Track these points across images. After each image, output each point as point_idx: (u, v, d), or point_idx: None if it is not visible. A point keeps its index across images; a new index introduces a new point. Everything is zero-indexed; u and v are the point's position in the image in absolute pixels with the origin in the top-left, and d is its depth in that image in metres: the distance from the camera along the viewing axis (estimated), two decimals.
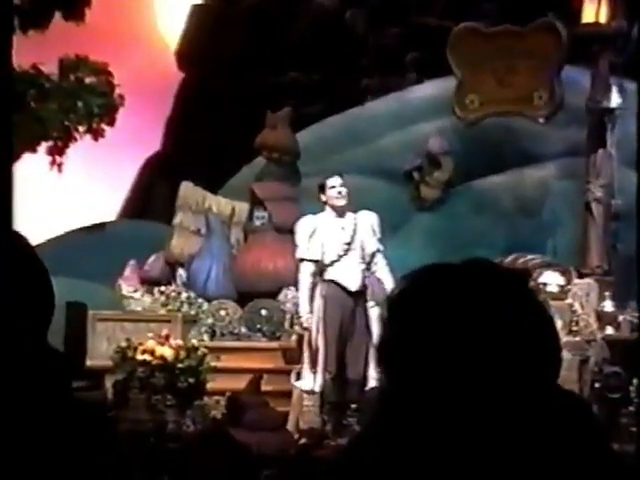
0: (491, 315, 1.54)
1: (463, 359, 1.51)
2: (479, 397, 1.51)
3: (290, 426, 9.95)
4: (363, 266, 9.76)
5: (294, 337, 11.19)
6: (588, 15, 11.73)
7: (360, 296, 9.72)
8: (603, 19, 11.71)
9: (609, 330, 10.73)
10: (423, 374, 1.51)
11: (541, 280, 10.97)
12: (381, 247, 9.82)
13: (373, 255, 9.79)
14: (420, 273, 1.57)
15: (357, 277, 9.71)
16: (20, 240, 1.90)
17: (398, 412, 1.53)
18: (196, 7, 23.32)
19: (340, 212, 9.83)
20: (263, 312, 11.74)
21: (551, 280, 11.05)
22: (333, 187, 9.81)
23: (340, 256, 9.70)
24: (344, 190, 9.83)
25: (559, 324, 9.82)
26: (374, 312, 10.08)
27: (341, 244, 9.72)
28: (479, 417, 1.51)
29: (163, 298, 11.83)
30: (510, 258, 11.52)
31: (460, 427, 1.52)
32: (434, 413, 1.52)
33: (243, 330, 11.75)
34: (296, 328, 11.37)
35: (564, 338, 9.79)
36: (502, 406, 1.52)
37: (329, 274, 9.71)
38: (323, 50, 20.99)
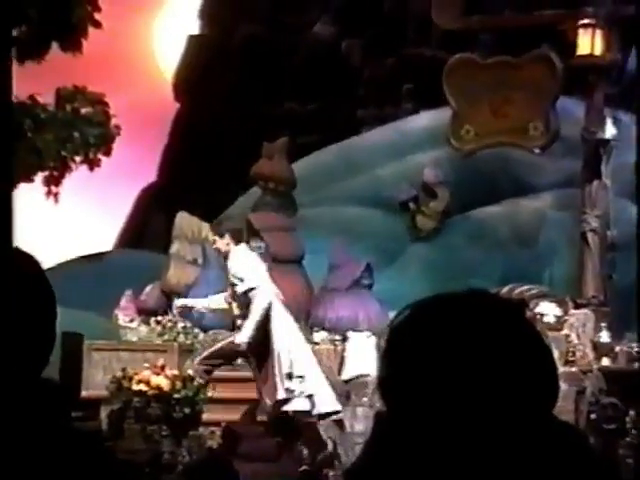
0: (489, 345, 1.54)
1: (461, 389, 1.51)
2: (476, 428, 1.51)
3: (286, 457, 9.90)
4: None
5: None
6: (583, 47, 11.80)
7: None
8: (598, 51, 11.77)
9: (605, 361, 10.72)
10: (423, 403, 1.52)
11: (538, 310, 10.97)
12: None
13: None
14: (419, 305, 1.58)
15: None
16: (30, 265, 1.88)
17: (398, 442, 1.53)
18: (193, 38, 23.42)
19: None
20: None
21: (547, 310, 11.05)
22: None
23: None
24: None
25: (555, 355, 9.79)
26: (369, 341, 10.11)
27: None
28: (476, 448, 1.51)
29: (159, 328, 11.82)
30: (506, 288, 11.52)
31: (458, 457, 1.52)
32: (433, 442, 1.52)
33: (239, 360, 11.72)
34: None
35: (560, 369, 9.77)
36: (499, 437, 1.52)
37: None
38: (319, 81, 21.08)
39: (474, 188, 15.16)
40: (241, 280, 9.95)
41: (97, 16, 13.06)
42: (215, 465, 4.79)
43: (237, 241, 10.14)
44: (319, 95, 21.03)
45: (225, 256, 10.18)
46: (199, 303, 10.60)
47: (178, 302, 10.88)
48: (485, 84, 12.60)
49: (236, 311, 10.12)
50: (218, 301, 10.29)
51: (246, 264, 10.00)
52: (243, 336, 9.91)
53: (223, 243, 10.12)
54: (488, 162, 14.65)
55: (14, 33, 12.36)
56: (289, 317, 10.15)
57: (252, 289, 9.90)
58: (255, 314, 9.87)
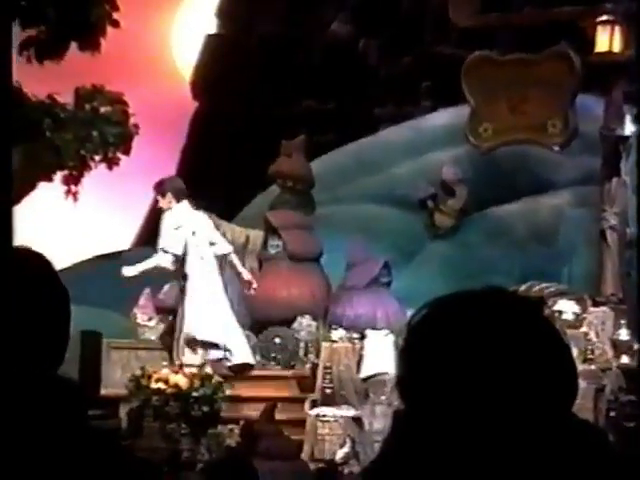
0: (507, 343, 1.54)
1: (480, 387, 1.51)
2: (495, 426, 1.51)
3: (305, 455, 9.92)
4: None
5: (308, 365, 11.17)
6: (601, 44, 11.75)
7: None
8: (617, 48, 11.72)
9: (625, 359, 10.68)
10: (441, 401, 1.51)
11: (556, 308, 10.94)
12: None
13: None
14: (437, 303, 1.57)
15: None
16: (41, 264, 1.88)
17: (416, 440, 1.53)
18: (210, 37, 23.45)
19: None
20: (277, 340, 11.74)
21: (566, 308, 11.02)
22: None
23: None
24: None
25: (574, 352, 9.77)
26: (387, 339, 10.15)
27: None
28: (495, 446, 1.51)
29: None
30: (525, 286, 11.49)
31: (476, 455, 1.51)
32: (451, 441, 1.52)
33: (257, 358, 11.74)
34: (310, 357, 11.36)
35: (579, 367, 9.73)
36: (518, 435, 1.52)
37: None
38: (337, 79, 21.06)
39: (493, 186, 15.13)
40: (160, 237, 10.55)
41: (115, 15, 13.08)
42: (235, 464, 4.80)
43: (178, 199, 10.68)
44: (337, 93, 21.02)
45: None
46: (144, 266, 10.82)
47: (126, 273, 10.99)
48: (503, 81, 12.57)
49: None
50: (160, 259, 10.66)
51: (173, 223, 10.51)
52: (130, 270, 10.65)
53: (165, 202, 10.73)
54: (506, 160, 14.62)
55: (33, 32, 12.41)
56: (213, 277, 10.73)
57: (162, 249, 10.48)
58: (149, 263, 10.58)
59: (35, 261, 1.86)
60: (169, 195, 10.79)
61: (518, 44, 12.99)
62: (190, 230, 10.68)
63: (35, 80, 12.31)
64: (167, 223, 10.72)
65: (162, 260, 10.63)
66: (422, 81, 20.47)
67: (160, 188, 10.97)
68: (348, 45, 21.63)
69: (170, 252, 10.59)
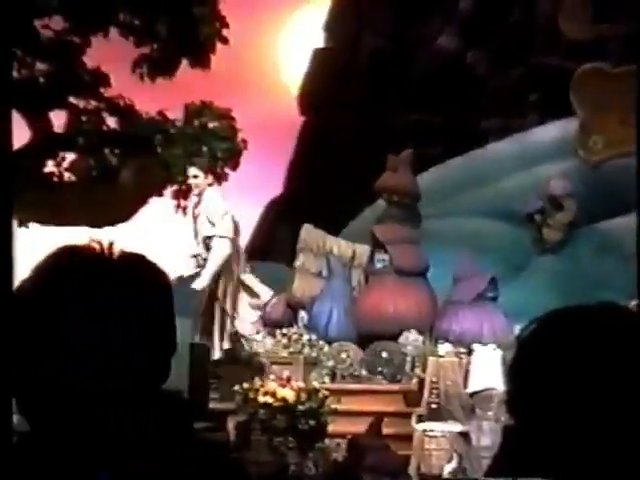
0: (619, 360, 1.51)
1: (591, 405, 1.49)
2: (606, 444, 1.49)
3: (411, 470, 9.87)
4: None
5: (415, 380, 11.14)
6: None
7: None
8: None
9: None
10: (551, 418, 1.50)
11: None
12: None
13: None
14: (547, 318, 1.56)
15: None
16: (155, 274, 1.89)
17: (526, 457, 1.52)
18: (318, 51, 23.58)
19: None
20: (384, 355, 11.72)
21: None
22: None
23: None
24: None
25: None
26: (495, 354, 10.06)
27: None
28: (606, 465, 1.49)
29: (285, 340, 11.91)
30: (636, 302, 11.26)
31: (586, 473, 1.49)
32: (561, 458, 1.50)
33: (364, 373, 11.74)
34: (417, 371, 11.33)
35: None
36: (630, 455, 1.49)
37: None
38: (444, 92, 21.00)
39: (603, 199, 14.89)
40: (212, 224, 10.40)
41: (224, 32, 13.25)
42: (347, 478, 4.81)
43: (214, 184, 10.66)
44: (444, 107, 20.95)
45: (200, 193, 10.63)
46: (210, 270, 10.83)
47: (199, 286, 11.03)
48: (614, 94, 12.39)
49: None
50: (222, 250, 10.64)
51: (222, 209, 10.41)
52: (202, 282, 10.34)
53: (205, 182, 10.61)
54: (617, 173, 14.36)
55: (147, 51, 12.66)
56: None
57: (219, 236, 10.36)
58: (215, 262, 10.31)
59: (147, 269, 1.88)
60: (210, 177, 10.73)
61: (629, 55, 12.78)
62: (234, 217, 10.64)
63: (146, 97, 12.56)
64: (218, 207, 10.64)
65: (224, 249, 10.57)
66: (530, 93, 20.27)
67: (203, 163, 10.92)
68: (455, 58, 21.55)
69: (228, 237, 10.59)
